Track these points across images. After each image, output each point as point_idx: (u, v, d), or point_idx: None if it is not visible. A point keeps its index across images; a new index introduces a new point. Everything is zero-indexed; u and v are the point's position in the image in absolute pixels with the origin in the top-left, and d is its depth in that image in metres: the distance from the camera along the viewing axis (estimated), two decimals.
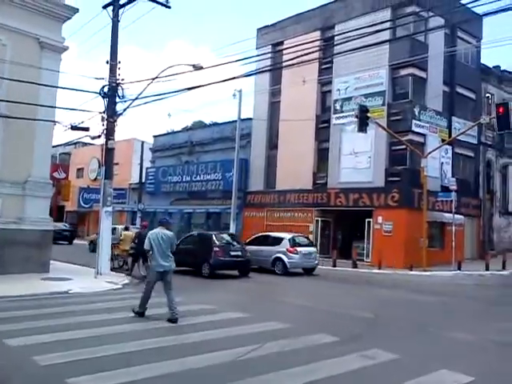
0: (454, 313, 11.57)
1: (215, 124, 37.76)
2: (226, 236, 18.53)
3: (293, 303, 11.69)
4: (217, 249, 16.58)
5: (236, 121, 27.67)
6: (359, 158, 24.20)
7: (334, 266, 21.72)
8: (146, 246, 8.91)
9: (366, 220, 23.63)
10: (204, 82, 38.17)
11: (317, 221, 25.93)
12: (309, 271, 18.91)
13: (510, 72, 29.48)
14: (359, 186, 23.85)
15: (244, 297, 12.70)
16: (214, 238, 17.28)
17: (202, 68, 16.08)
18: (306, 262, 18.79)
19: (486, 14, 11.67)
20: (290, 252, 18.32)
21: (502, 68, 29.25)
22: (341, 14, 25.55)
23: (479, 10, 12.10)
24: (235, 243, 17.75)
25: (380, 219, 23.04)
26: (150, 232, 9.15)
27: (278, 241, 18.95)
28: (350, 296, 13.72)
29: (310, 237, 25.08)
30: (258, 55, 23.22)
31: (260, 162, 29.68)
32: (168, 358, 6.24)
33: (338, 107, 25.74)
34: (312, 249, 19.46)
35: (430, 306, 12.48)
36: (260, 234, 20.95)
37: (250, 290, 14.51)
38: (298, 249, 18.51)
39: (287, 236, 19.31)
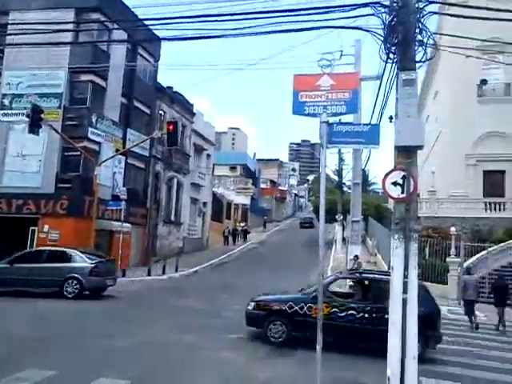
0: (114, 319, 11.97)
1: None
2: None
3: None
4: None
5: None
6: (28, 161, 22.41)
7: None
8: None
9: (31, 228, 22.02)
10: None
11: None
12: None
13: (180, 94, 32.79)
14: (25, 192, 22.03)
15: None
16: None
17: None
18: None
19: (165, 39, 12.82)
20: None
21: (174, 89, 32.23)
22: (18, 2, 23.37)
23: (160, 34, 13.37)
24: None
25: (46, 227, 21.78)
26: None
27: None
28: (6, 314, 12.43)
29: None
30: None
31: None
32: None
33: (6, 103, 23.28)
34: None
35: (92, 315, 12.58)
36: None
37: None
38: None
39: None
